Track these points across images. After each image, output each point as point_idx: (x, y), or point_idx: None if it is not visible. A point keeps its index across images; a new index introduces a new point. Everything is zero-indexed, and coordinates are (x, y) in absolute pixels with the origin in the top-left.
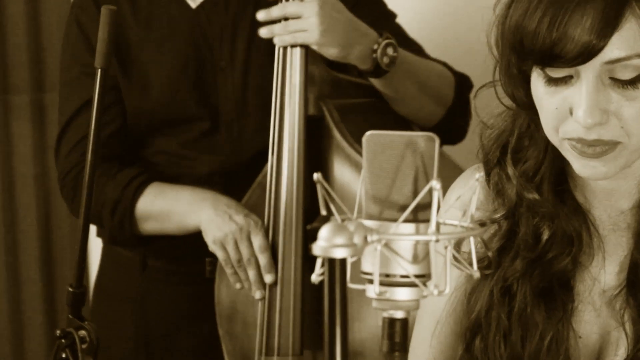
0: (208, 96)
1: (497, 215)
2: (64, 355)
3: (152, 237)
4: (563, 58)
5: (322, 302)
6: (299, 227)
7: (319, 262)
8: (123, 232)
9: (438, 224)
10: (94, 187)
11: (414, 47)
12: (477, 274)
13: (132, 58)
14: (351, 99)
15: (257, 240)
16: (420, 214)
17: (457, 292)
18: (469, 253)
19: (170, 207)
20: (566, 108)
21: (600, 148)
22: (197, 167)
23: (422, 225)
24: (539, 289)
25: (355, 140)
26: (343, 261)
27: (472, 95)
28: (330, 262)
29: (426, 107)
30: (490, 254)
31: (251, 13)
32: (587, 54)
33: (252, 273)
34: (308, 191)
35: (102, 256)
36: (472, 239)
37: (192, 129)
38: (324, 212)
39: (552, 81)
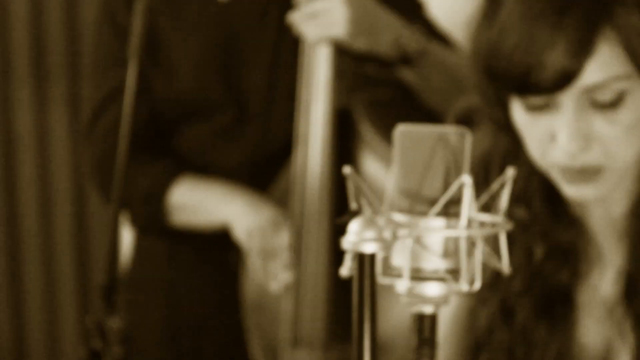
0: (235, 87)
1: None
2: (94, 345)
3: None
4: (540, 86)
5: (351, 295)
6: (327, 220)
7: (348, 256)
8: (154, 223)
9: (469, 219)
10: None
11: (444, 38)
12: (507, 270)
13: (160, 45)
14: (379, 92)
15: (283, 237)
16: (451, 209)
17: (459, 310)
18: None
19: (202, 199)
20: (550, 134)
21: (588, 174)
22: (225, 158)
23: (452, 220)
24: (540, 304)
25: (383, 134)
26: (372, 256)
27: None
28: (360, 257)
29: (454, 100)
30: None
31: (279, 6)
32: (563, 81)
33: (272, 266)
34: (335, 185)
35: (133, 246)
36: (502, 235)
37: (219, 120)
38: (353, 206)
39: (531, 108)
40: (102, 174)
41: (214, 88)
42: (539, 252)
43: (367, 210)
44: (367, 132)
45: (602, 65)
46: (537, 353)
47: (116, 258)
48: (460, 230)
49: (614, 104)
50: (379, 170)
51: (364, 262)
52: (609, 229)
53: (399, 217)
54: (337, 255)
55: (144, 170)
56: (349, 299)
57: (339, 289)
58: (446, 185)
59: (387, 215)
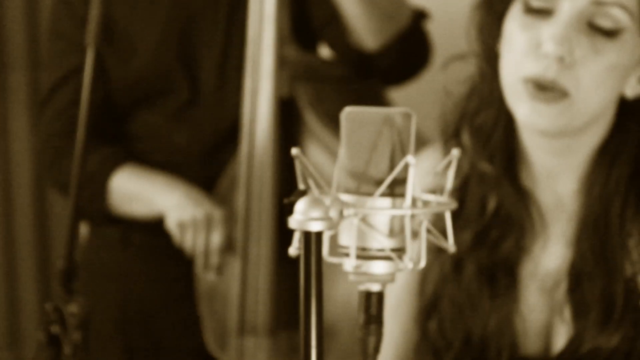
0: (191, 67)
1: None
2: (53, 330)
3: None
4: None
5: (297, 280)
6: (271, 207)
7: (296, 235)
8: (93, 206)
9: (414, 199)
10: (70, 157)
11: None
12: (452, 249)
13: (117, 29)
14: (324, 80)
15: (217, 237)
16: (396, 189)
17: (411, 276)
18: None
19: (142, 187)
20: (535, 42)
21: (551, 93)
22: (177, 138)
23: (398, 200)
24: (485, 270)
25: (328, 122)
26: (319, 234)
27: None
28: (306, 235)
29: (380, 23)
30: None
31: None
32: None
33: (202, 260)
34: (280, 174)
35: (88, 231)
36: (447, 214)
37: (174, 100)
38: (301, 187)
39: (531, 12)
40: (50, 154)
41: (171, 68)
42: (491, 205)
43: (314, 191)
44: (311, 121)
45: None
46: (480, 318)
47: (74, 244)
48: (405, 209)
49: (609, 34)
50: (324, 157)
51: (310, 240)
52: (557, 208)
53: (345, 197)
54: (282, 244)
55: (89, 154)
56: (295, 286)
57: (285, 277)
58: (392, 166)
59: (333, 194)
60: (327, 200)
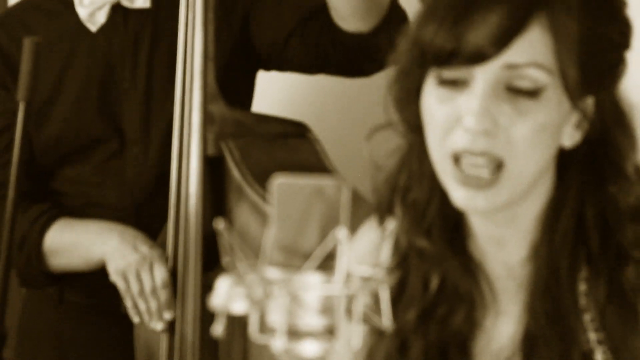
0: (113, 118)
1: (390, 265)
2: None
3: (64, 274)
4: (460, 55)
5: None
6: (199, 271)
7: (220, 316)
8: (31, 269)
9: (347, 275)
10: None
11: None
12: (388, 326)
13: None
14: (255, 136)
15: (160, 273)
16: (329, 263)
17: (358, 354)
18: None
19: (77, 238)
20: (455, 116)
21: (482, 179)
22: (106, 195)
23: (331, 274)
24: (435, 348)
25: (257, 180)
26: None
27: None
28: (229, 317)
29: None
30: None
31: (150, 32)
32: (485, 53)
33: (153, 304)
34: (208, 231)
35: (24, 293)
36: (383, 290)
37: (100, 152)
38: (225, 261)
39: (445, 84)
40: None
41: (92, 121)
42: (434, 282)
43: (238, 266)
44: (240, 178)
45: (528, 47)
46: None
47: (5, 309)
48: (335, 287)
49: (531, 94)
50: (251, 217)
51: (234, 323)
52: (507, 277)
53: (273, 272)
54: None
55: (19, 216)
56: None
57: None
58: (323, 239)
59: (259, 272)
60: (252, 278)
